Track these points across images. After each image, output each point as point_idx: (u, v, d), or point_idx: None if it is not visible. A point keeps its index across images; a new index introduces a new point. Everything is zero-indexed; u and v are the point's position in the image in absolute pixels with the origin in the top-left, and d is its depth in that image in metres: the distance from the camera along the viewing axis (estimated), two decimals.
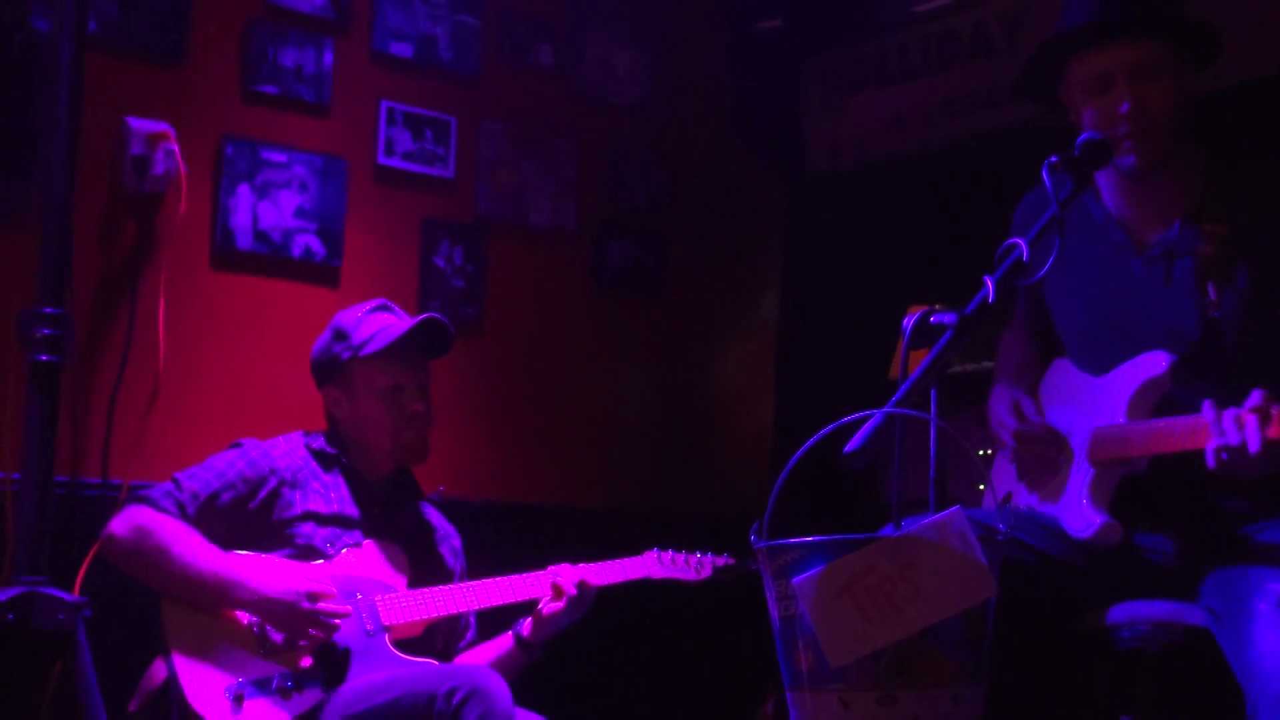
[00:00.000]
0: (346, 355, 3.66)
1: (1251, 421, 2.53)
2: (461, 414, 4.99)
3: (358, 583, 3.52)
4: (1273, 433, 2.52)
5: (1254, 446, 2.52)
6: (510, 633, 3.67)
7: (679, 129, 5.68)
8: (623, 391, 5.49)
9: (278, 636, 3.36)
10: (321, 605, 3.35)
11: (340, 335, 3.69)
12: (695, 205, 5.69)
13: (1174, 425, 2.72)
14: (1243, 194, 2.85)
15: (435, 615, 3.56)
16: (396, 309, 3.78)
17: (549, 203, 5.29)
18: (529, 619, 3.62)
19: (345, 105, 4.86)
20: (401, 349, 3.66)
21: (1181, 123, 2.87)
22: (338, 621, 3.38)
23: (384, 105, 4.93)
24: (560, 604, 3.56)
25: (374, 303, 3.77)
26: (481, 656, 3.68)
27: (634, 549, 3.82)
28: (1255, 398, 2.55)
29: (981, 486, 3.36)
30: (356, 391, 3.67)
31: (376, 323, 3.70)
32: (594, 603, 3.62)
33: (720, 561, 3.86)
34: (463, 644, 3.76)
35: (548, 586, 3.61)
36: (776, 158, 5.91)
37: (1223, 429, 2.56)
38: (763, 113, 5.87)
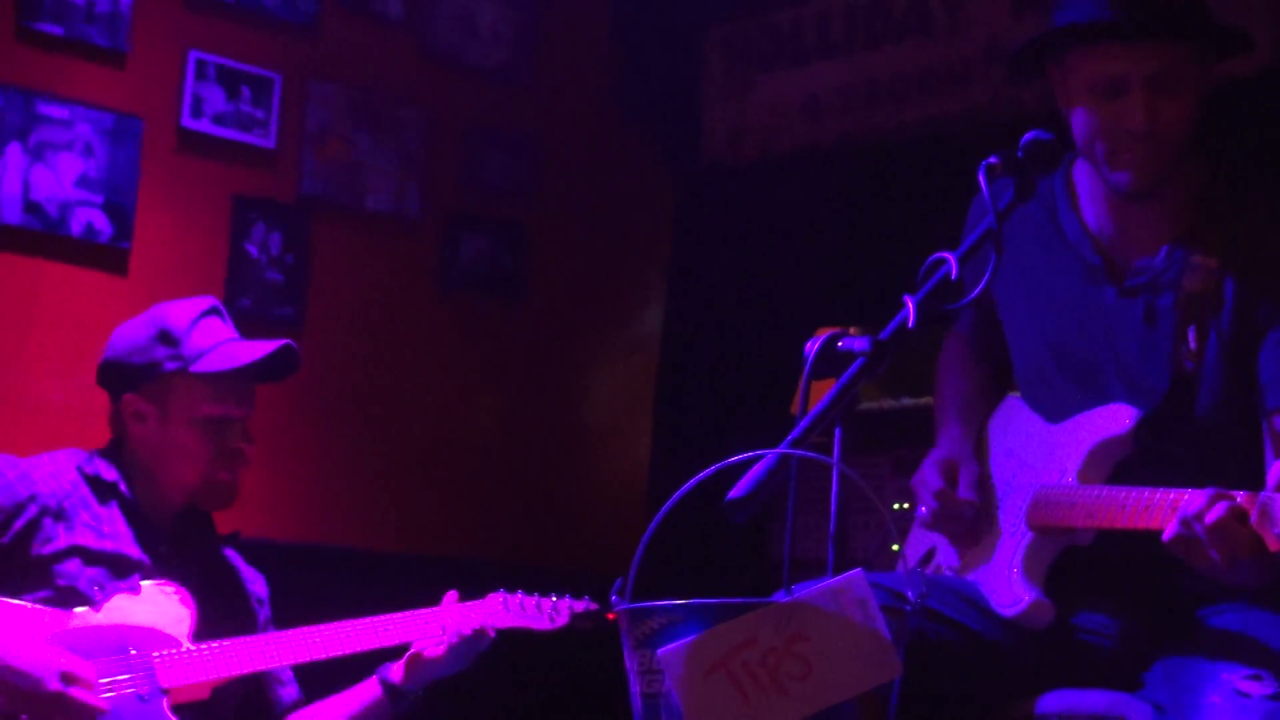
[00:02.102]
0: (172, 365, 3.60)
1: (1220, 506, 2.53)
2: (271, 436, 4.93)
3: (130, 635, 3.46)
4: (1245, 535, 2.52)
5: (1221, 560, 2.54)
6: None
7: (550, 103, 5.68)
8: (471, 417, 5.47)
9: (23, 716, 3.29)
10: (74, 692, 3.28)
11: (167, 338, 3.62)
12: (566, 196, 5.70)
13: (1127, 497, 2.73)
14: (1242, 217, 2.88)
15: (224, 675, 3.52)
16: (226, 316, 3.74)
17: (389, 184, 5.27)
18: (399, 664, 3.65)
19: (145, 54, 4.81)
20: (241, 375, 3.63)
21: (1191, 138, 2.90)
22: (98, 701, 3.32)
23: (193, 56, 4.89)
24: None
25: (203, 303, 3.70)
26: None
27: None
28: (1240, 498, 2.55)
29: (895, 547, 3.39)
30: (172, 411, 3.61)
31: (213, 333, 3.64)
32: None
33: (580, 606, 3.88)
34: (282, 707, 3.73)
35: (379, 637, 3.62)
36: (666, 143, 5.93)
37: (1185, 518, 2.57)
38: (652, 88, 5.89)
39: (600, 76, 5.82)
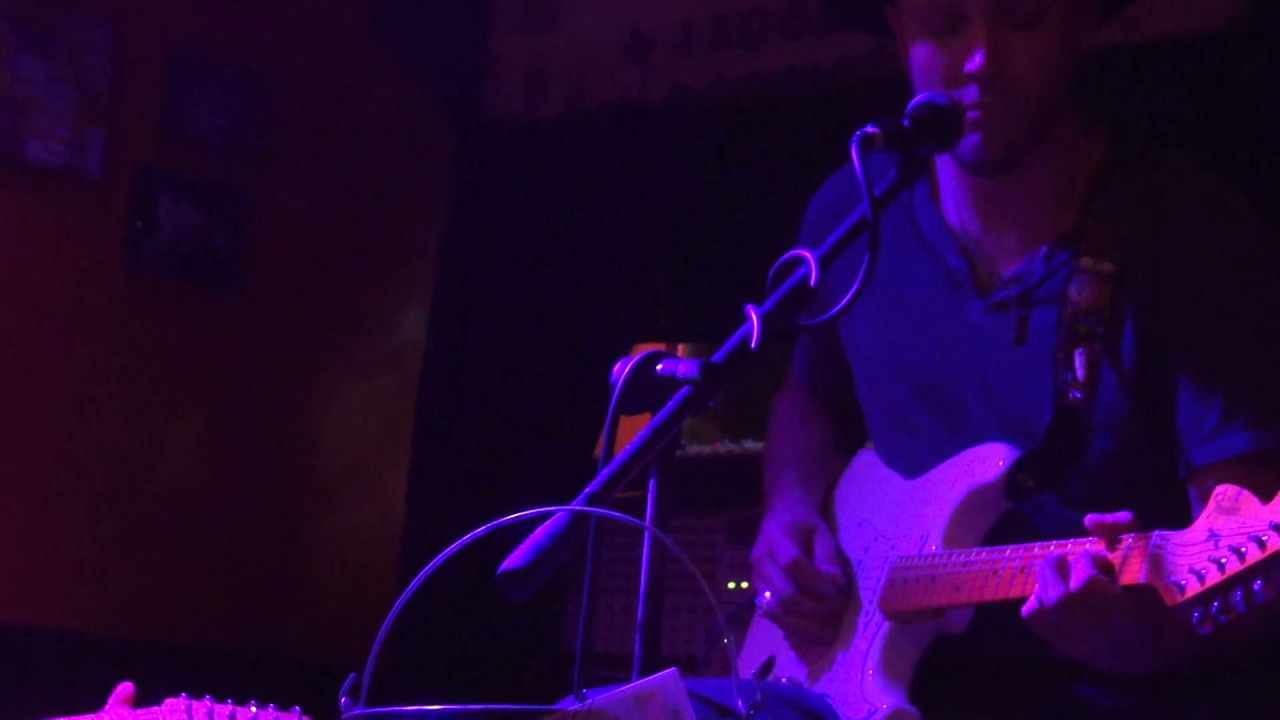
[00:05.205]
0: None
1: (1082, 564, 2.56)
2: None
3: None
4: (1125, 578, 2.54)
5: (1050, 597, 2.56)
6: None
7: (286, 26, 5.65)
8: (166, 447, 5.44)
9: None
10: None
11: None
12: (305, 152, 5.68)
13: (999, 558, 2.77)
14: (1144, 208, 2.93)
15: None
16: None
17: (62, 128, 5.22)
18: None
19: None
20: None
21: (1061, 94, 2.94)
22: None
23: None
24: None
25: None
26: None
27: (155, 699, 3.80)
28: (1120, 516, 2.58)
29: (726, 640, 3.40)
30: None
31: None
32: None
33: (287, 719, 3.86)
34: None
35: None
36: (442, 88, 5.93)
37: (1039, 572, 2.60)
38: (425, 14, 5.88)
39: None
